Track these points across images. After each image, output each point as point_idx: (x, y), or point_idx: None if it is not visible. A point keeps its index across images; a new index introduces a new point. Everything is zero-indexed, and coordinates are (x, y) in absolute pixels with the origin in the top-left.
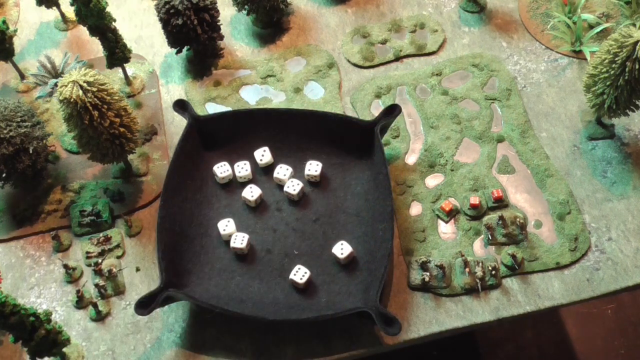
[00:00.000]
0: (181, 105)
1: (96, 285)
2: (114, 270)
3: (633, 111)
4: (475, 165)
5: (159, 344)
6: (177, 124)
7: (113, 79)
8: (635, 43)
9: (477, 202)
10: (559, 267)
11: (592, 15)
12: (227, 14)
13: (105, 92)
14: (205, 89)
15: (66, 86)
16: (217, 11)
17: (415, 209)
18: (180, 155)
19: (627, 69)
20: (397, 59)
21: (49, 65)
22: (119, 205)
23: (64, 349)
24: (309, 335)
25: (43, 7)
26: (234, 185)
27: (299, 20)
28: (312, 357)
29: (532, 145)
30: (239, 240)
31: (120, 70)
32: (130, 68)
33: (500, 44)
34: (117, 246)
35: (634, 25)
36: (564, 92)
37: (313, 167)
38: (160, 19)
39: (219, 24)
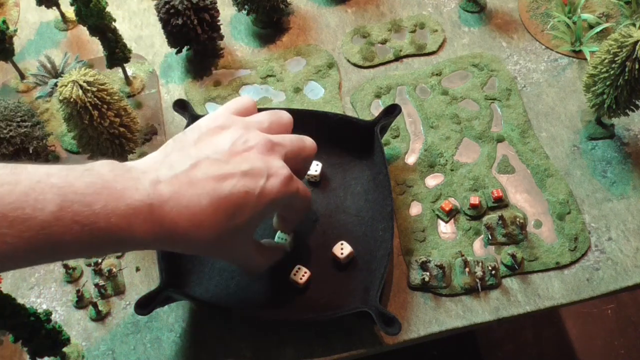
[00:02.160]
0: (181, 105)
1: (96, 285)
2: (114, 270)
3: (633, 111)
4: (475, 165)
5: (159, 344)
6: (177, 124)
7: (113, 79)
8: (635, 43)
9: (477, 202)
10: (559, 267)
11: (592, 15)
12: (227, 14)
13: (105, 92)
14: (205, 89)
15: (66, 86)
16: (217, 11)
17: (415, 209)
18: None
19: (627, 69)
20: (397, 59)
21: (49, 65)
22: None
23: (64, 349)
24: (309, 335)
25: (43, 7)
26: None
27: (299, 20)
28: (312, 357)
29: (532, 145)
30: None
31: (120, 70)
32: (130, 68)
33: (500, 44)
34: None
35: (634, 25)
36: (564, 92)
37: (313, 167)
38: (160, 19)
39: (219, 24)
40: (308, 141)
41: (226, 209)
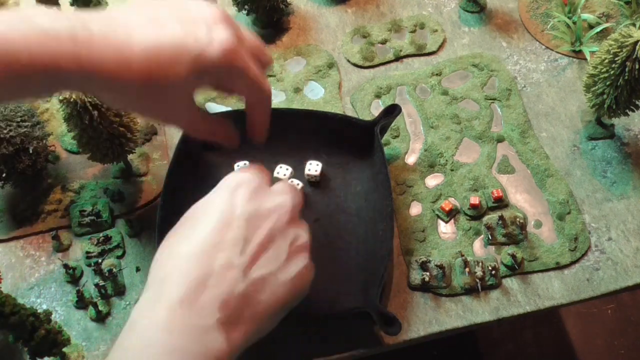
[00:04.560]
0: None
1: (96, 285)
2: (114, 270)
3: (633, 111)
4: (475, 165)
5: None
6: None
7: None
8: (635, 43)
9: (477, 202)
10: (559, 267)
11: (592, 15)
12: None
13: None
14: (204, 89)
15: None
16: None
17: (415, 209)
18: (180, 155)
19: (627, 69)
20: (397, 59)
21: None
22: (119, 205)
23: (64, 349)
24: (309, 335)
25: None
26: None
27: (299, 20)
28: (312, 357)
29: (532, 145)
30: None
31: None
32: None
33: (500, 44)
34: (117, 246)
35: (634, 25)
36: (564, 92)
37: (313, 167)
38: None
39: None
40: (268, 51)
41: (159, 62)
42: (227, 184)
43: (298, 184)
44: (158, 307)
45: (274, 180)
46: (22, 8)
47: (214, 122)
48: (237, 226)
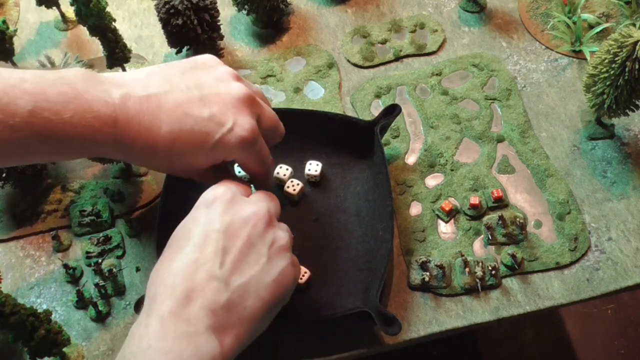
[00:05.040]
0: None
1: (96, 285)
2: (114, 270)
3: (633, 111)
4: (475, 165)
5: None
6: None
7: None
8: (635, 43)
9: (477, 202)
10: (559, 267)
11: (592, 15)
12: (227, 14)
13: None
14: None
15: None
16: (217, 11)
17: (415, 209)
18: None
19: (627, 69)
20: (397, 59)
21: (49, 65)
22: (119, 205)
23: (64, 349)
24: (309, 335)
25: (43, 7)
26: None
27: (299, 20)
28: (312, 357)
29: (532, 145)
30: None
31: (120, 70)
32: (130, 68)
33: (500, 44)
34: (117, 246)
35: (634, 25)
36: (564, 92)
37: (313, 167)
38: (160, 19)
39: (219, 24)
40: (281, 124)
41: (182, 144)
42: (203, 200)
43: (298, 183)
44: (150, 319)
45: (274, 181)
46: (71, 73)
47: (216, 178)
48: (216, 239)
